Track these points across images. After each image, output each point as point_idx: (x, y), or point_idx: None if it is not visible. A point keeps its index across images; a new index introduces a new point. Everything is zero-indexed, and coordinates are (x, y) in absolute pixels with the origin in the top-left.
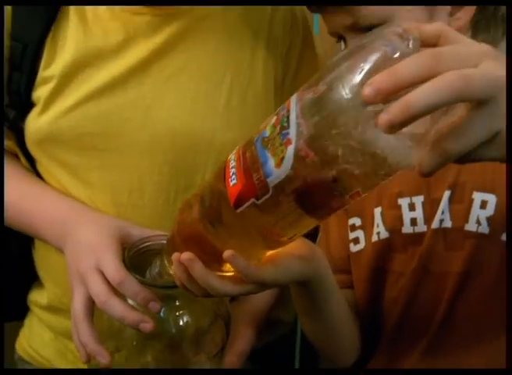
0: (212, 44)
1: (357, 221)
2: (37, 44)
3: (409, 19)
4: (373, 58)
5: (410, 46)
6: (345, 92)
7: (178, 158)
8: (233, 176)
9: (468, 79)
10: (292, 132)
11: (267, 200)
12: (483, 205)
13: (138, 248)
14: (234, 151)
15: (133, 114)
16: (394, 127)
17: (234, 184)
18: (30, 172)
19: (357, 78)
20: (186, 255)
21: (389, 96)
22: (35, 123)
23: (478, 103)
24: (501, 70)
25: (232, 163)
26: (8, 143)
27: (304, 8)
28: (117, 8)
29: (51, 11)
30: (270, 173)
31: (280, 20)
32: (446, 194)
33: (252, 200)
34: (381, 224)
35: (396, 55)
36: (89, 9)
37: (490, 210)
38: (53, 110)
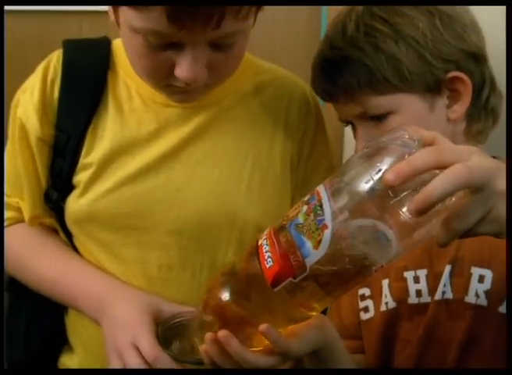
0: (236, 132)
1: (366, 291)
2: (79, 135)
3: (412, 111)
4: (393, 154)
5: (417, 144)
6: (373, 183)
7: (203, 235)
8: (269, 259)
9: (471, 170)
10: (327, 218)
11: (303, 278)
12: (481, 279)
13: (170, 323)
14: (264, 236)
15: (164, 196)
16: (420, 213)
17: (271, 266)
18: (68, 246)
19: (383, 170)
20: (222, 333)
21: (406, 180)
22: (75, 205)
23: (476, 189)
24: (488, 162)
25: (266, 247)
26: (50, 220)
27: (317, 96)
28: (150, 100)
29: (93, 104)
30: (308, 254)
31: (296, 108)
32: (447, 268)
33: (289, 279)
34: (388, 295)
35: (408, 150)
36: (125, 102)
37: (487, 284)
38: (91, 193)
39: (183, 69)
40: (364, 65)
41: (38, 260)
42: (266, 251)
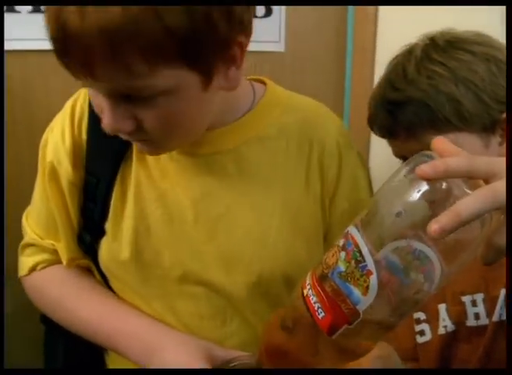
0: (259, 180)
1: (421, 315)
2: (109, 180)
3: (470, 148)
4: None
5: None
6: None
7: (228, 286)
8: (319, 310)
9: (495, 192)
10: (369, 264)
11: (358, 323)
12: None
13: (227, 368)
14: (309, 286)
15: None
16: (444, 234)
17: (323, 317)
18: (105, 287)
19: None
20: None
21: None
22: (105, 249)
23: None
24: None
25: (313, 298)
26: (85, 261)
27: (345, 134)
28: (174, 152)
29: (120, 150)
30: (358, 301)
31: (325, 150)
32: (502, 291)
33: (345, 326)
34: (447, 318)
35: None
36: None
37: None
38: (120, 241)
39: (105, 117)
40: (426, 105)
41: (78, 302)
42: (315, 302)
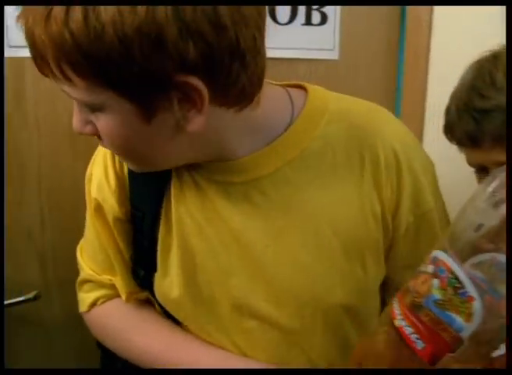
0: (307, 202)
1: None
2: (153, 215)
3: None
4: None
5: None
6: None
7: (281, 319)
8: (418, 341)
9: None
10: (471, 290)
11: (462, 349)
12: None
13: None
14: (400, 317)
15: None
16: None
17: (423, 347)
18: (166, 318)
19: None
20: None
21: None
22: (158, 286)
23: None
24: None
25: (408, 329)
26: (144, 294)
27: (403, 138)
28: (211, 180)
29: (161, 184)
30: (461, 329)
31: (379, 162)
32: None
33: (447, 354)
34: None
35: None
36: (187, 181)
37: None
38: (172, 277)
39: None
40: None
41: (140, 336)
42: (411, 333)
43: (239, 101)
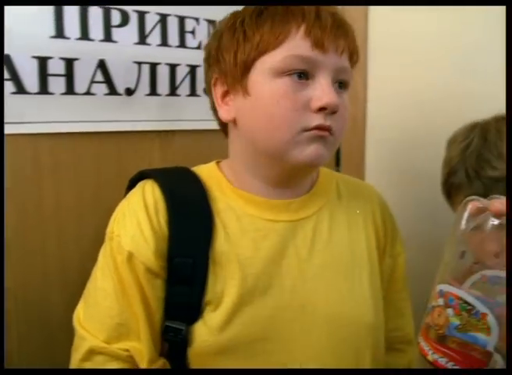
0: (338, 238)
1: None
2: (205, 259)
3: None
4: None
5: None
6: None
7: (333, 347)
8: (455, 367)
9: None
10: (481, 308)
11: (493, 361)
12: None
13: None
14: (431, 351)
15: (293, 314)
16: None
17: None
18: None
19: None
20: None
21: None
22: (210, 337)
23: None
24: None
25: (443, 360)
26: (161, 361)
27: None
28: (258, 218)
29: (208, 231)
30: (486, 343)
31: (377, 210)
32: None
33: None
34: None
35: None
36: (234, 225)
37: None
38: (232, 324)
39: (322, 93)
40: None
41: None
42: (446, 363)
43: None
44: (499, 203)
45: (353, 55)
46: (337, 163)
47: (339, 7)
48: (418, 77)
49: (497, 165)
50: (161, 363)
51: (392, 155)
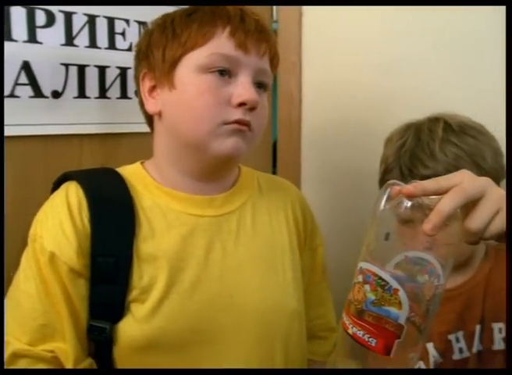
0: (260, 231)
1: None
2: (128, 257)
3: None
4: None
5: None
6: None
7: (259, 333)
8: (371, 339)
9: (465, 189)
10: (393, 284)
11: (404, 333)
12: (500, 331)
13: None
14: (350, 325)
15: (222, 305)
16: (436, 229)
17: (376, 343)
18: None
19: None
20: None
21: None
22: (136, 331)
23: (476, 200)
24: (478, 180)
25: (360, 332)
26: (88, 361)
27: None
28: (184, 214)
29: (132, 229)
30: (397, 317)
31: (296, 204)
32: (477, 327)
33: (396, 341)
34: (436, 354)
35: None
36: (160, 221)
37: (503, 333)
38: (157, 317)
39: (242, 90)
40: None
41: None
42: (363, 335)
43: None
44: (411, 186)
45: (274, 58)
46: (274, 164)
47: (274, 8)
48: (352, 79)
49: (429, 164)
50: (87, 363)
51: (327, 155)
